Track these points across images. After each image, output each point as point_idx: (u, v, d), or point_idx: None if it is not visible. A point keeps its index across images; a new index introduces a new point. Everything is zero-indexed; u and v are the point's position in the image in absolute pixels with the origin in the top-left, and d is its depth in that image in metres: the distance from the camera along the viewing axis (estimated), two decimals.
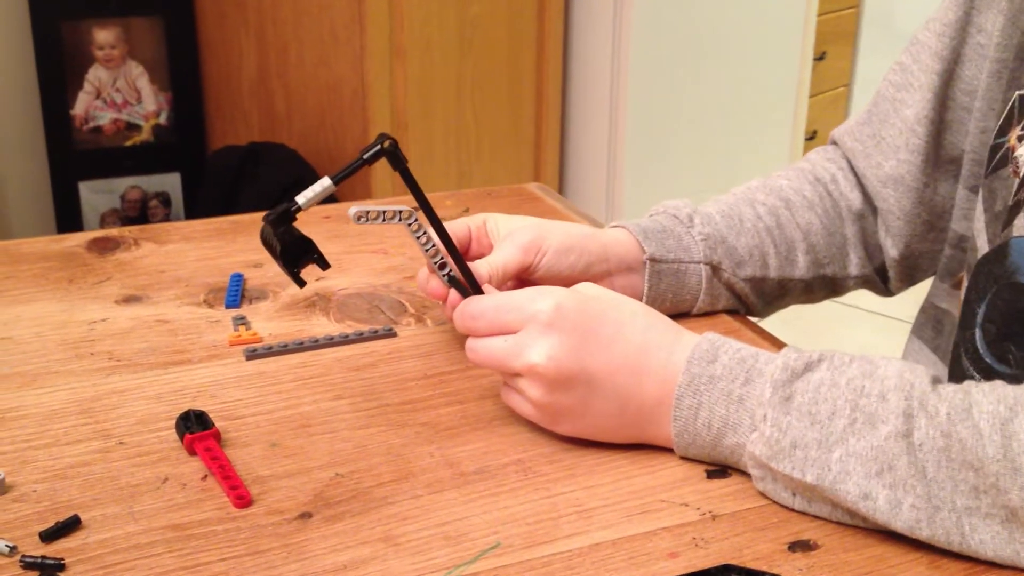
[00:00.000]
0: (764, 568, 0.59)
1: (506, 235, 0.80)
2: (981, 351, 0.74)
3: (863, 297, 0.98)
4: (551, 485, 0.66)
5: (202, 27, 2.47)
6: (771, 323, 1.01)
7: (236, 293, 0.90)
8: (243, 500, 0.63)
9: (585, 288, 0.72)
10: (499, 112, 2.41)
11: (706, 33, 2.67)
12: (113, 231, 1.04)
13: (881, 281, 0.94)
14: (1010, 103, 0.77)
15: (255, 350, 0.81)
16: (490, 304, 0.70)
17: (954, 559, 0.60)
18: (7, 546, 0.59)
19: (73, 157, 2.41)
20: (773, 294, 0.89)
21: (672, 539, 0.61)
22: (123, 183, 2.47)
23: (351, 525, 0.62)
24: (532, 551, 0.60)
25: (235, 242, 1.02)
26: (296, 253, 0.72)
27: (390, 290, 0.92)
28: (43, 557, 0.58)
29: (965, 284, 0.78)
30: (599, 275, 0.81)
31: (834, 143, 0.97)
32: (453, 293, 0.75)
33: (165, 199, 2.51)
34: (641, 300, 0.82)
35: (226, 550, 0.60)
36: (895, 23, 3.46)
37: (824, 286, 0.92)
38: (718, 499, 0.65)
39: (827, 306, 1.26)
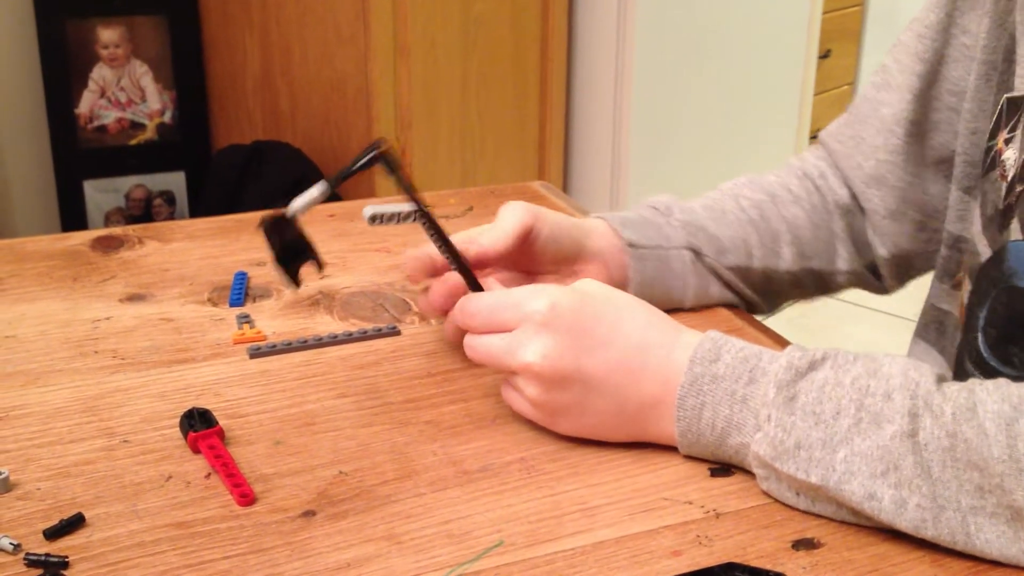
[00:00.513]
0: (768, 566, 0.59)
1: (502, 210, 0.80)
2: (985, 355, 0.74)
3: (867, 295, 0.98)
4: (554, 483, 0.66)
5: (206, 26, 2.47)
6: (775, 321, 1.01)
7: (240, 291, 0.90)
8: (247, 498, 0.63)
9: (584, 285, 0.71)
10: (503, 110, 2.40)
11: (710, 31, 2.67)
12: (117, 230, 1.04)
13: (875, 278, 0.94)
14: (999, 106, 0.77)
15: (259, 348, 0.81)
16: (487, 302, 0.70)
17: (958, 557, 0.60)
18: (11, 544, 0.59)
19: (77, 156, 2.42)
20: (761, 286, 0.89)
21: (675, 537, 0.61)
22: (127, 182, 2.47)
23: (354, 523, 0.62)
24: (535, 549, 0.60)
25: (239, 241, 1.02)
26: (290, 257, 0.73)
27: (394, 288, 0.92)
28: (47, 555, 0.58)
29: (966, 287, 0.78)
30: (576, 264, 0.81)
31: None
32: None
33: (169, 198, 2.51)
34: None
35: (230, 548, 0.60)
36: (900, 20, 3.44)
37: (813, 281, 0.91)
38: (721, 497, 0.65)
39: (831, 304, 1.25)
